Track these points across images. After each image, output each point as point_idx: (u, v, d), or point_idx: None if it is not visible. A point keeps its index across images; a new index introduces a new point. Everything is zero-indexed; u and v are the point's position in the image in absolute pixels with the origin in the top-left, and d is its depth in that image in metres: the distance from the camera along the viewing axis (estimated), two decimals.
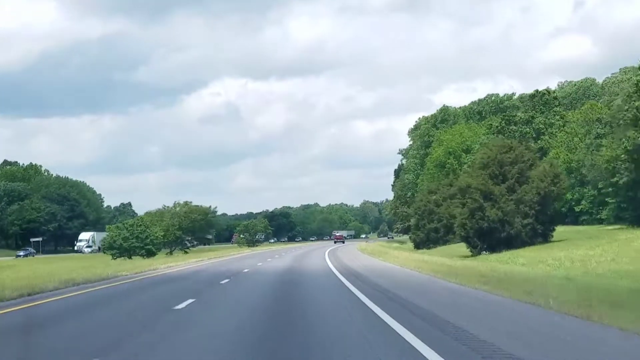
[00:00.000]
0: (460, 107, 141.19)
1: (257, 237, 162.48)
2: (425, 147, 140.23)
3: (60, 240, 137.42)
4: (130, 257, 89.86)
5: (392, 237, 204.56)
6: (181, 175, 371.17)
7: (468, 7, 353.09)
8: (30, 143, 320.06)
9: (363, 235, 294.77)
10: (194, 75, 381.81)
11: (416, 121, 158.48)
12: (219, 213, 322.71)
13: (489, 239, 54.51)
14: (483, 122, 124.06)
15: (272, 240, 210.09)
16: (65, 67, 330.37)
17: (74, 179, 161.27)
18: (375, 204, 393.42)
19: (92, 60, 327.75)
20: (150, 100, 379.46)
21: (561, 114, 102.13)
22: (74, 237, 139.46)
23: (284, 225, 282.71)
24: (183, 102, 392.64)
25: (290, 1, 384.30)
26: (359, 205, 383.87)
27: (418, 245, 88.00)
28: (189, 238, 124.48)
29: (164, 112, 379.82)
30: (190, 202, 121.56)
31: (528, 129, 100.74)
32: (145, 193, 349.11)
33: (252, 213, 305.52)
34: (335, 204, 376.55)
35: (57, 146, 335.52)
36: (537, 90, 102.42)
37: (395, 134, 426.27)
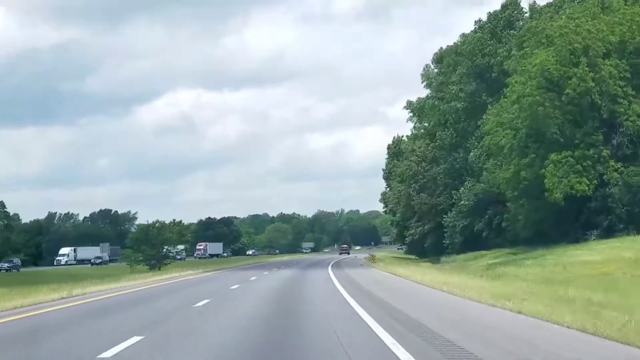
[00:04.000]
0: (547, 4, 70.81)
1: (165, 251, 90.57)
2: (476, 78, 70.95)
3: None
4: None
5: (403, 248, 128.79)
6: (132, 188, 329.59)
7: (429, 17, 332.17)
8: None
9: (326, 250, 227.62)
10: (149, 85, 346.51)
11: (435, 53, 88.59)
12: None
13: None
14: None
15: (179, 257, 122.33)
16: (12, 76, 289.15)
17: None
18: (332, 213, 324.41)
19: (42, 69, 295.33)
20: (102, 110, 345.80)
21: None
22: None
23: (224, 235, 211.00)
24: (136, 112, 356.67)
25: (250, 9, 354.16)
26: (311, 217, 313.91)
27: None
28: None
29: (116, 123, 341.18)
30: None
31: None
32: (95, 206, 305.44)
33: (193, 223, 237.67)
34: (287, 214, 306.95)
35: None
36: None
37: (351, 147, 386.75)
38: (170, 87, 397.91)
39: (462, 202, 71.01)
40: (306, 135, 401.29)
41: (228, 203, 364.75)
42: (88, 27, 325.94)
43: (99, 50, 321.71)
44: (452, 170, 75.40)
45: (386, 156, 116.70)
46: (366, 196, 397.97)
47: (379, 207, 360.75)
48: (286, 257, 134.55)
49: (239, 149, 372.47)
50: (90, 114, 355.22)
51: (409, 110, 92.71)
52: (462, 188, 71.59)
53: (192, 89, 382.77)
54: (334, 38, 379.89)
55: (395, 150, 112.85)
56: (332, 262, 72.20)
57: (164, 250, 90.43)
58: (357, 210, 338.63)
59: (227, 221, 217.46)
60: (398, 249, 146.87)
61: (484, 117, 67.21)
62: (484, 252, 66.81)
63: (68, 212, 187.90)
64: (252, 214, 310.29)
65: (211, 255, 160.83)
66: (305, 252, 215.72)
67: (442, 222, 76.16)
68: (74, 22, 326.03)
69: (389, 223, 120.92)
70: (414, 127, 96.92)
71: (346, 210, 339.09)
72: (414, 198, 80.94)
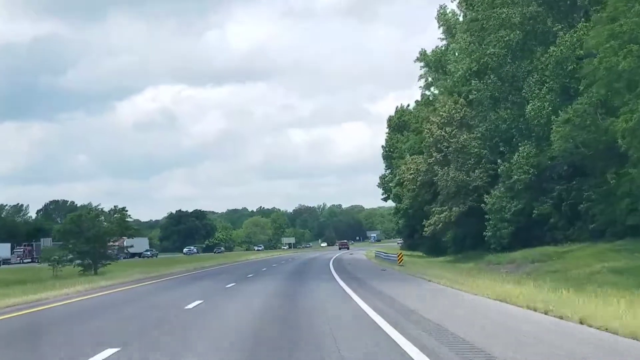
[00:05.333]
0: None
1: (104, 247, 67.55)
2: None
3: None
4: None
5: (400, 243, 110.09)
6: (112, 184, 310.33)
7: (413, 14, 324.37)
8: None
9: (285, 246, 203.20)
10: (129, 80, 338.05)
11: None
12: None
13: None
14: None
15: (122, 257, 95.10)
16: None
17: None
18: (313, 208, 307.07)
19: (20, 64, 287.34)
20: (82, 106, 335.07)
21: None
22: None
23: (196, 230, 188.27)
24: (116, 108, 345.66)
25: (231, 5, 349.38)
26: (292, 211, 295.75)
27: None
28: None
29: (95, 119, 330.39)
30: None
31: None
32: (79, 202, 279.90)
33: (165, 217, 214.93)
34: (267, 208, 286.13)
35: None
36: None
37: (332, 143, 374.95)
38: (151, 83, 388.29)
39: (516, 176, 48.72)
40: (288, 131, 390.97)
41: (207, 199, 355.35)
42: (67, 22, 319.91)
43: (79, 45, 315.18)
44: (496, 133, 53.05)
45: (386, 131, 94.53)
46: (348, 192, 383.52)
47: (363, 202, 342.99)
48: (261, 255, 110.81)
49: (220, 145, 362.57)
50: (69, 109, 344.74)
51: (421, 64, 70.29)
52: (515, 156, 49.25)
53: (173, 84, 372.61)
54: (317, 34, 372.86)
55: (399, 122, 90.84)
56: (331, 261, 49.51)
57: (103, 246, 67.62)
58: (340, 205, 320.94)
59: (200, 214, 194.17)
60: (398, 243, 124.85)
61: (551, 49, 45.18)
62: (552, 247, 44.62)
63: (17, 204, 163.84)
64: (231, 208, 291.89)
65: (132, 255, 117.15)
66: (258, 250, 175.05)
67: (482, 205, 53.85)
68: (53, 17, 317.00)
69: (392, 212, 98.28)
70: (426, 86, 74.73)
71: (328, 205, 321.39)
72: (438, 172, 58.48)
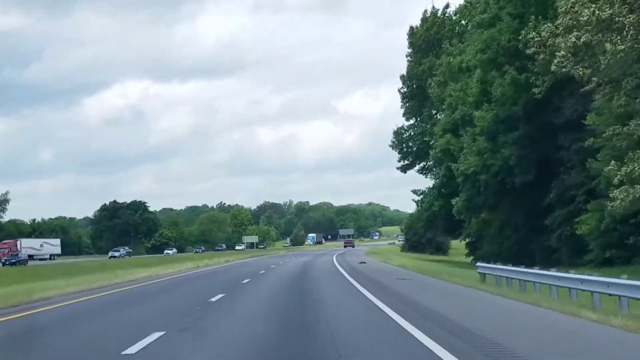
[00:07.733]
0: None
1: None
2: None
3: None
4: None
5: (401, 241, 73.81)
6: (73, 181, 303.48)
7: (384, 7, 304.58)
8: None
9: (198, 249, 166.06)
10: (96, 75, 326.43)
11: None
12: (66, 215, 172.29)
13: None
14: None
15: None
16: None
17: None
18: (279, 205, 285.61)
19: None
20: (46, 101, 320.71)
21: None
22: None
23: (135, 225, 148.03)
24: (82, 104, 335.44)
25: None
26: (256, 207, 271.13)
27: None
28: None
29: (59, 115, 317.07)
30: None
31: None
32: (37, 201, 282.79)
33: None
34: (230, 204, 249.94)
35: None
36: None
37: (299, 140, 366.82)
38: (117, 78, 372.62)
39: None
40: (254, 128, 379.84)
41: (169, 197, 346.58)
42: (31, 14, 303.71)
43: (45, 39, 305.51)
44: None
45: (409, 52, 55.10)
46: (315, 190, 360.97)
47: (332, 200, 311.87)
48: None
49: (186, 142, 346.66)
50: (33, 104, 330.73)
51: None
52: None
53: (140, 79, 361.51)
54: (287, 28, 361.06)
55: (430, 36, 51.55)
56: None
57: None
58: (307, 202, 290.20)
59: (139, 206, 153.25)
60: (399, 241, 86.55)
61: None
62: None
63: None
64: (190, 205, 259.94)
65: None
66: (115, 256, 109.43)
67: None
68: (16, 8, 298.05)
69: (425, 190, 58.03)
70: None
71: (295, 202, 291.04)
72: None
